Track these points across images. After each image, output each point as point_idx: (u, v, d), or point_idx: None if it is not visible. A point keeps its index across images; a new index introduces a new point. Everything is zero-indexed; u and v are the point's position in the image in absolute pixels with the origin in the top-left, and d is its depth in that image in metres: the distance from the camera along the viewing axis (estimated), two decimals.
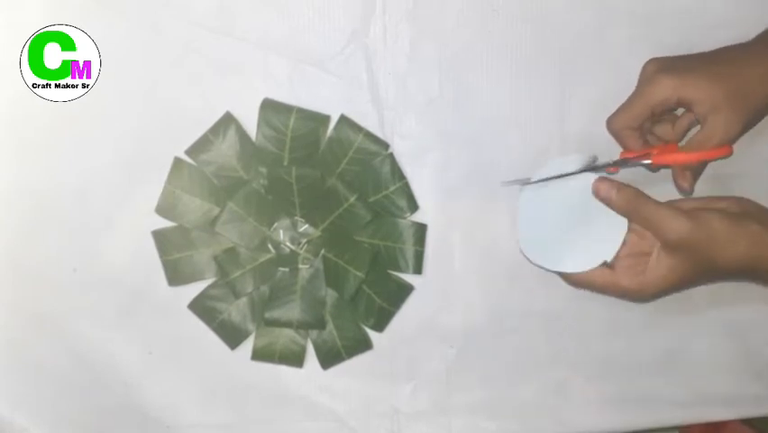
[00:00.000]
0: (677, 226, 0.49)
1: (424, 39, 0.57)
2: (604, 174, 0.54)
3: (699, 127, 0.53)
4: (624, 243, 0.53)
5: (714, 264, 0.50)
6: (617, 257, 0.53)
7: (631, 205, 0.51)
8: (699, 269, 0.50)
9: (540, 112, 0.58)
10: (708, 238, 0.49)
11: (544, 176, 0.55)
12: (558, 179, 0.54)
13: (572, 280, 0.54)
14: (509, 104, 0.58)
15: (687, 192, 0.55)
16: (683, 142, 0.55)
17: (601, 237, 0.53)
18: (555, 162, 0.55)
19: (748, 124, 0.52)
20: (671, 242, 0.50)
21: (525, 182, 0.56)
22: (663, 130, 0.56)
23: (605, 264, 0.53)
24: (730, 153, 0.52)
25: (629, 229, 0.53)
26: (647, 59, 0.54)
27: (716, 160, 0.53)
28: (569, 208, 0.54)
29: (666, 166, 0.55)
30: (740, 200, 0.52)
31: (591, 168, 0.54)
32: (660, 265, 0.51)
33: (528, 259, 0.55)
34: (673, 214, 0.50)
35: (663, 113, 0.54)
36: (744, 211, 0.51)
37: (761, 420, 0.67)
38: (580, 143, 0.58)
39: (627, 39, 0.57)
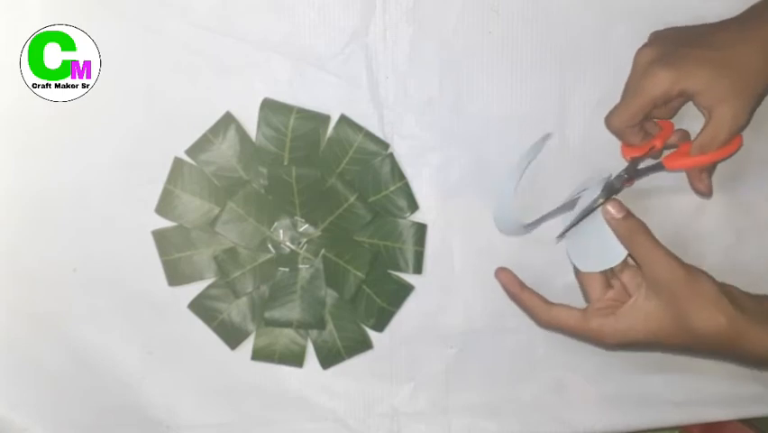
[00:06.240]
0: (669, 267, 0.49)
1: (424, 39, 0.57)
2: (617, 195, 0.53)
3: (702, 119, 0.52)
4: (612, 287, 0.53)
5: (691, 324, 0.49)
6: (596, 300, 0.53)
7: (631, 234, 0.51)
8: (675, 326, 0.49)
9: (540, 112, 0.58)
10: (694, 294, 0.49)
11: (573, 218, 0.55)
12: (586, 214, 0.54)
13: (543, 321, 0.54)
14: (509, 104, 0.58)
15: (706, 196, 0.55)
16: (692, 139, 0.54)
17: (603, 253, 0.53)
18: (581, 193, 0.55)
19: (754, 109, 0.51)
20: (658, 280, 0.50)
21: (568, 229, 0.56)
22: (656, 111, 0.54)
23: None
24: (742, 144, 0.52)
25: (614, 275, 0.53)
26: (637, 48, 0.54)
27: (730, 156, 0.52)
28: (595, 227, 0.54)
29: (680, 170, 0.55)
30: (724, 285, 0.51)
31: (610, 190, 0.53)
32: (638, 308, 0.50)
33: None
34: (669, 255, 0.50)
35: (663, 104, 0.53)
36: (727, 292, 0.50)
37: (761, 420, 0.67)
38: (580, 143, 0.58)
39: (628, 38, 0.56)
